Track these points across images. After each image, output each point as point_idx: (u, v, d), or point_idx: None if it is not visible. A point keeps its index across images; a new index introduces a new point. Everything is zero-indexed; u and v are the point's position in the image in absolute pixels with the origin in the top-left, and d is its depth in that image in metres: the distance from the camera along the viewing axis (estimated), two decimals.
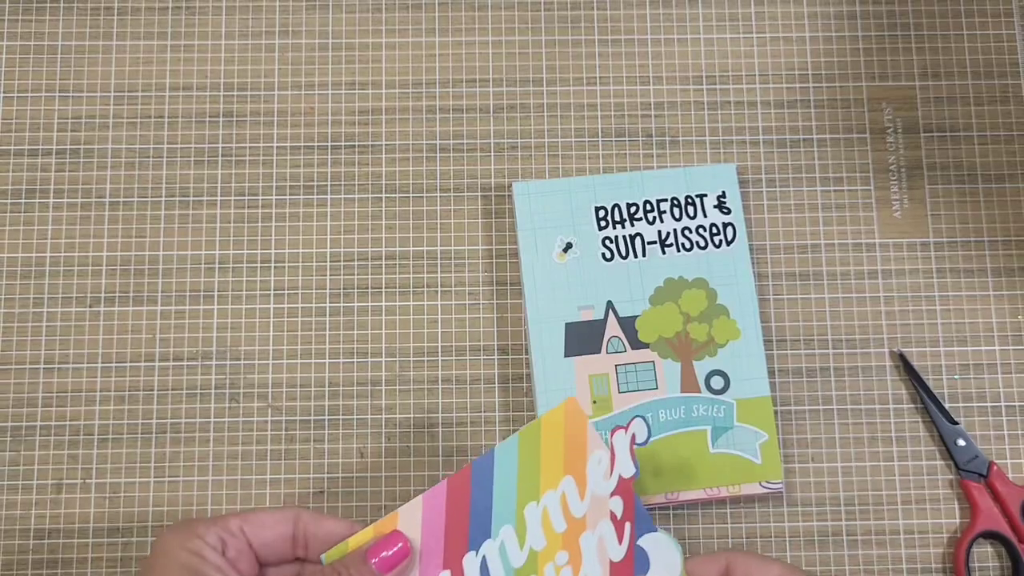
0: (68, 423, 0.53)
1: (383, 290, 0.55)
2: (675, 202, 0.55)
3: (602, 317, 0.54)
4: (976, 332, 0.55)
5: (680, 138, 0.57)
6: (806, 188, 0.57)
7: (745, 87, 0.58)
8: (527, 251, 0.54)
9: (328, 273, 0.55)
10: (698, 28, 0.58)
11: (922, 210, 0.56)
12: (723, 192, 0.55)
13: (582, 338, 0.53)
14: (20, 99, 0.57)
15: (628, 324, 0.54)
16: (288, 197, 0.56)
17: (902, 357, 0.54)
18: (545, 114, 0.57)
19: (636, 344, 0.54)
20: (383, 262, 0.55)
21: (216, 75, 0.57)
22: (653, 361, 0.53)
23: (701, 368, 0.53)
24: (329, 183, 0.56)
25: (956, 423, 0.53)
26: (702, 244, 0.55)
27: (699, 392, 0.53)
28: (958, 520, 0.53)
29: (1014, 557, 0.52)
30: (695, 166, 0.56)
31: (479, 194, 0.56)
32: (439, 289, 0.55)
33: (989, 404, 0.54)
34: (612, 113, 0.57)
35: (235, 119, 0.57)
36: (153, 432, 0.53)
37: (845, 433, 0.54)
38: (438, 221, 0.56)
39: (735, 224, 0.55)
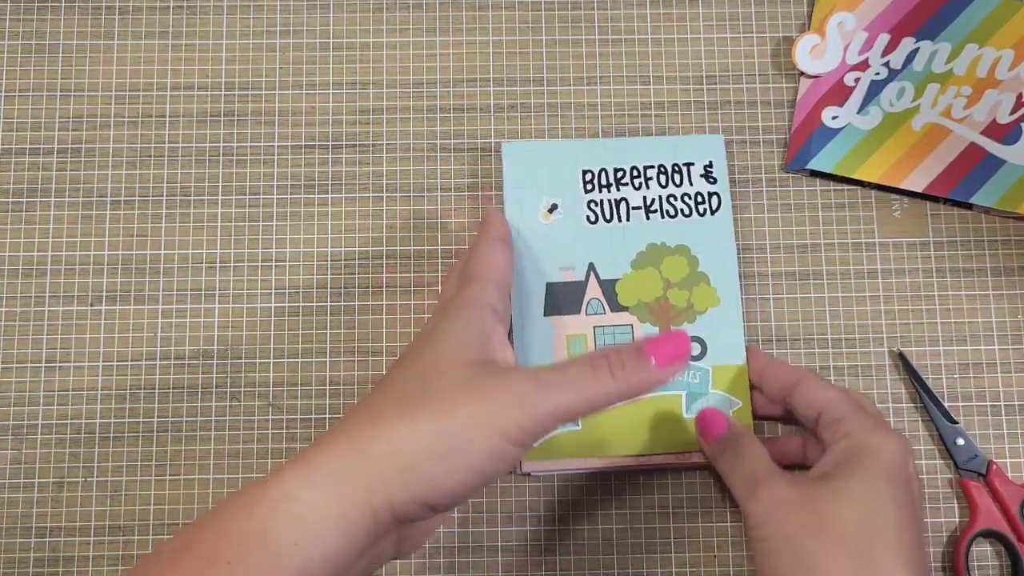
0: (69, 422, 0.54)
1: (383, 290, 0.55)
2: (662, 169, 0.55)
3: (583, 278, 0.54)
4: (976, 332, 0.55)
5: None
6: (806, 188, 0.57)
7: (745, 87, 0.58)
8: (513, 211, 0.54)
9: (328, 273, 0.55)
10: (698, 28, 0.58)
11: (922, 209, 0.56)
12: (710, 162, 0.55)
13: (562, 298, 0.53)
14: (20, 99, 0.57)
15: (608, 287, 0.54)
16: (288, 197, 0.56)
17: (902, 356, 0.54)
18: (545, 114, 0.57)
19: (615, 307, 0.54)
20: (383, 262, 0.56)
21: (216, 75, 0.57)
22: (632, 324, 0.53)
23: None
24: (329, 183, 0.56)
25: (956, 422, 0.53)
26: (686, 212, 0.55)
27: None
28: (957, 519, 0.53)
29: (1013, 556, 0.52)
30: (683, 135, 0.56)
31: (479, 194, 0.56)
32: (439, 288, 0.55)
33: (989, 404, 0.54)
34: (612, 113, 0.57)
35: (236, 119, 0.57)
36: (154, 431, 0.54)
37: None
38: (438, 221, 0.56)
39: (720, 194, 0.55)
